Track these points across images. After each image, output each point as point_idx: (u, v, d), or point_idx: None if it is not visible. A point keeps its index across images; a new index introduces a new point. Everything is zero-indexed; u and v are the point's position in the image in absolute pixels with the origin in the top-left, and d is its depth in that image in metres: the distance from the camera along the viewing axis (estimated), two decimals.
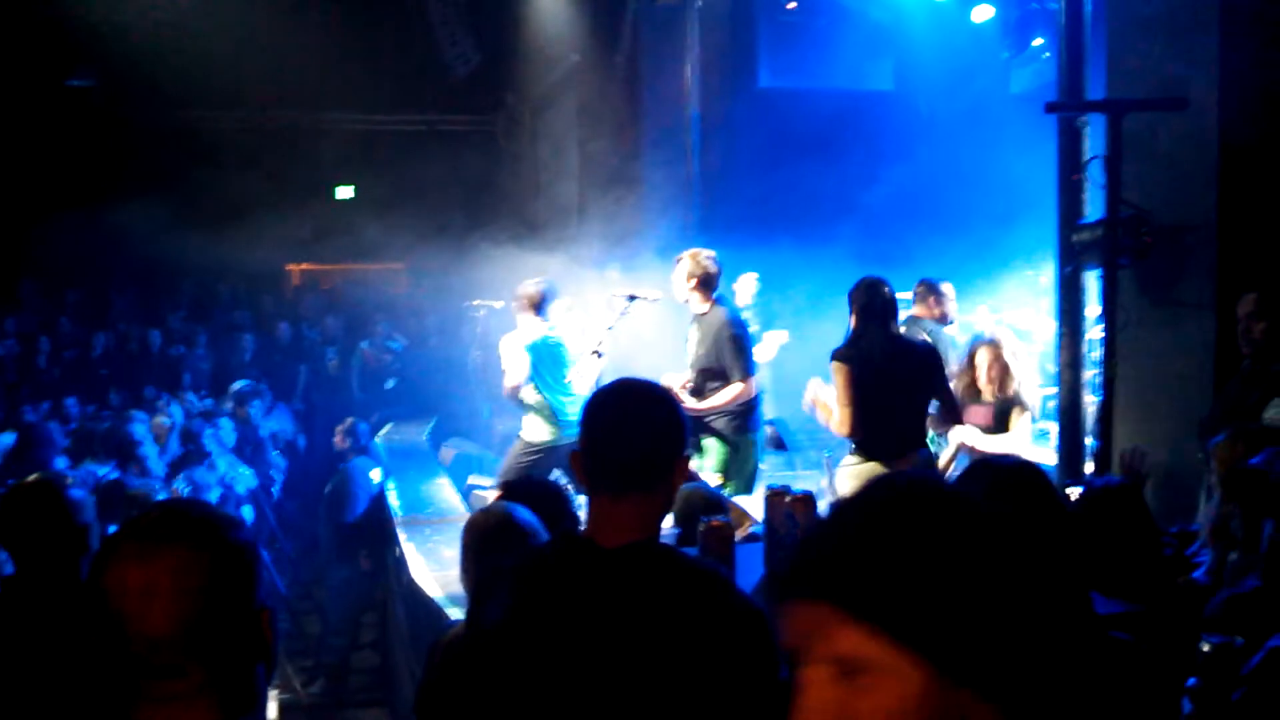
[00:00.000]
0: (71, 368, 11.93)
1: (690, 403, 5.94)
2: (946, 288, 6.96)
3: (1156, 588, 3.01)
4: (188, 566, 1.56)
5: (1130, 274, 5.28)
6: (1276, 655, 2.18)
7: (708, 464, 6.09)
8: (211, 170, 14.58)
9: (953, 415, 5.41)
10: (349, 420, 8.49)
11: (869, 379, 5.12)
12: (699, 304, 6.17)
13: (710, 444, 6.14)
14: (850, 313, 5.29)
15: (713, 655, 1.98)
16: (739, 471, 6.11)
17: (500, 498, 3.18)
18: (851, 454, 5.29)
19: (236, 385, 10.15)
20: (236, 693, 1.61)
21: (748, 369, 6.06)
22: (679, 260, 6.22)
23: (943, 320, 6.84)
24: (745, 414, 6.13)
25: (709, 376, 6.08)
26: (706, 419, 6.09)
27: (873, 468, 5.11)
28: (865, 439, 5.19)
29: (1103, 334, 5.13)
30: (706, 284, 6.13)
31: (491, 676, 2.07)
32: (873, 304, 5.23)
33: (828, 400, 5.29)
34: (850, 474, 5.24)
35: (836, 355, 5.22)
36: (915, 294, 6.95)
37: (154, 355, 12.29)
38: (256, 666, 1.64)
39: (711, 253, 6.25)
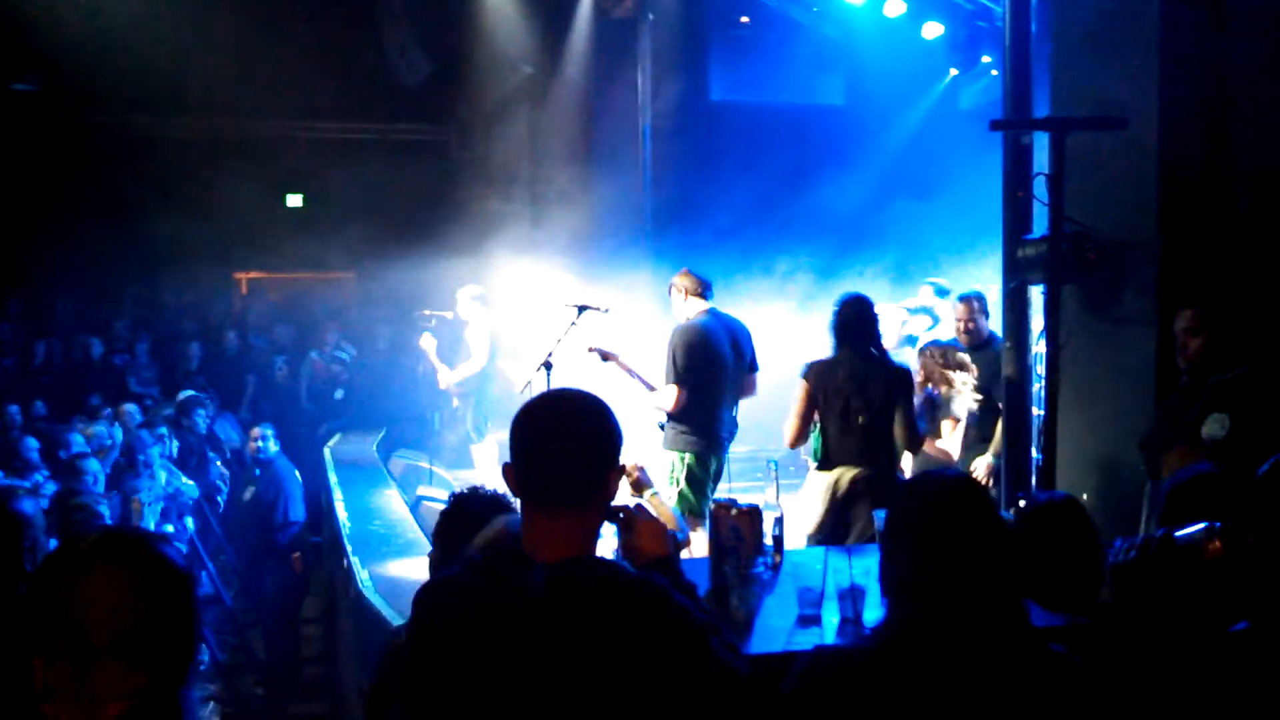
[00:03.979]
0: (11, 375, 11.71)
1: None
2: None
3: (1097, 601, 3.05)
4: (129, 582, 1.64)
5: (1074, 289, 5.35)
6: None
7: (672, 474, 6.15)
8: (158, 177, 14.39)
9: (912, 441, 5.51)
10: (262, 425, 8.50)
11: (832, 395, 5.28)
12: (684, 312, 6.23)
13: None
14: (830, 326, 5.42)
15: (652, 669, 1.97)
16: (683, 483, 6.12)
17: (448, 509, 3.16)
18: (816, 468, 5.44)
19: (181, 395, 10.04)
20: (168, 703, 1.67)
21: (675, 377, 6.05)
22: (669, 289, 6.35)
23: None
24: (683, 424, 6.12)
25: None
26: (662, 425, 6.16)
27: (839, 473, 5.28)
28: (828, 450, 5.36)
29: (1046, 348, 5.21)
30: (694, 292, 6.21)
31: (429, 691, 2.05)
32: (849, 322, 5.35)
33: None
34: (812, 480, 5.41)
35: (803, 372, 5.40)
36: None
37: (95, 363, 12.10)
38: (187, 684, 1.70)
39: (684, 270, 6.33)
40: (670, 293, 6.30)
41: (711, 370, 6.08)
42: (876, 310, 5.52)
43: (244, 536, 8.46)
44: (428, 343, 8.91)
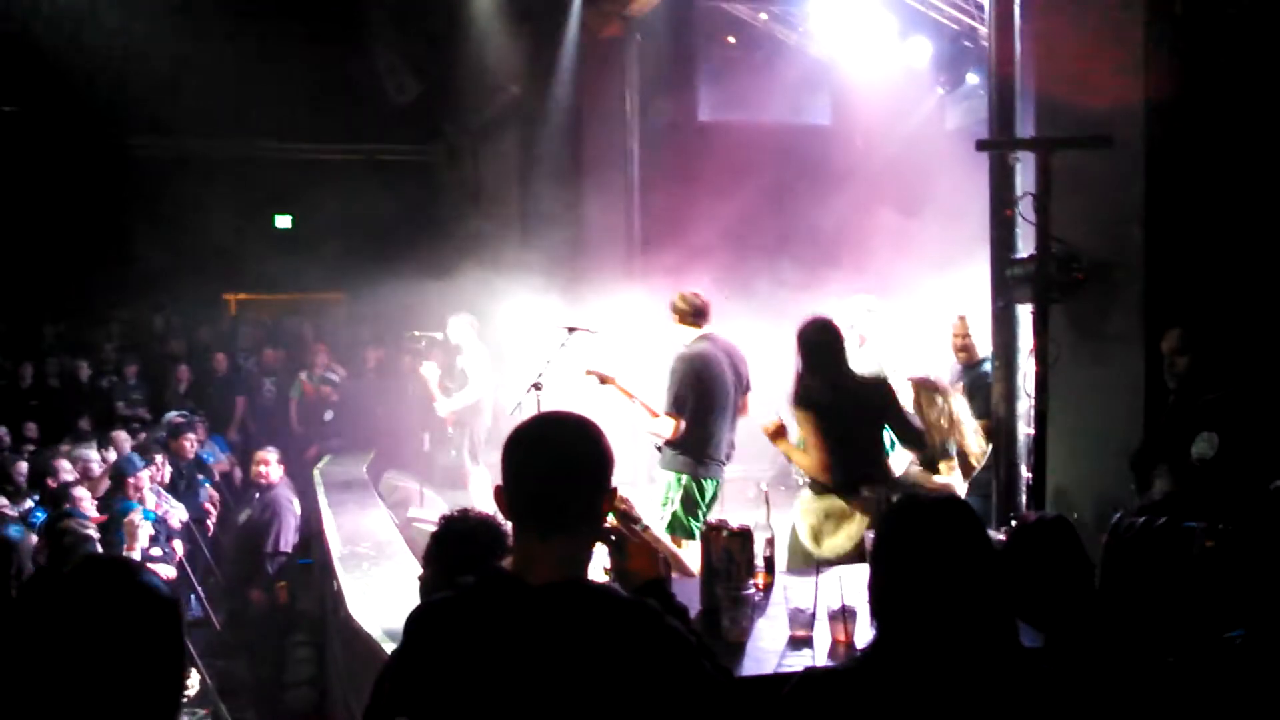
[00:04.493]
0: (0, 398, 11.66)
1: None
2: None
3: (1087, 621, 3.05)
4: (115, 614, 1.63)
5: (1061, 309, 5.37)
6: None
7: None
8: (146, 197, 14.39)
9: (913, 443, 5.45)
10: (272, 449, 8.42)
11: (822, 418, 5.14)
12: (686, 338, 6.23)
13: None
14: (798, 352, 5.26)
15: (644, 693, 1.97)
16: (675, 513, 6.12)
17: (439, 531, 3.16)
18: (809, 488, 5.30)
19: (167, 416, 10.02)
20: None
21: (676, 407, 6.06)
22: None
23: None
24: (682, 447, 6.11)
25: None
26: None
27: (830, 502, 5.15)
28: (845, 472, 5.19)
29: (1035, 368, 5.21)
30: (688, 318, 6.22)
31: (422, 715, 2.05)
32: (821, 342, 5.24)
33: (790, 444, 5.34)
34: (806, 507, 5.27)
35: (798, 403, 5.19)
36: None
37: (83, 386, 12.06)
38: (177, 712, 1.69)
39: (694, 290, 6.33)
40: (670, 312, 6.29)
41: (713, 397, 6.11)
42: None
43: (234, 558, 8.42)
44: (429, 371, 8.91)
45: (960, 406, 5.82)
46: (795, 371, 5.28)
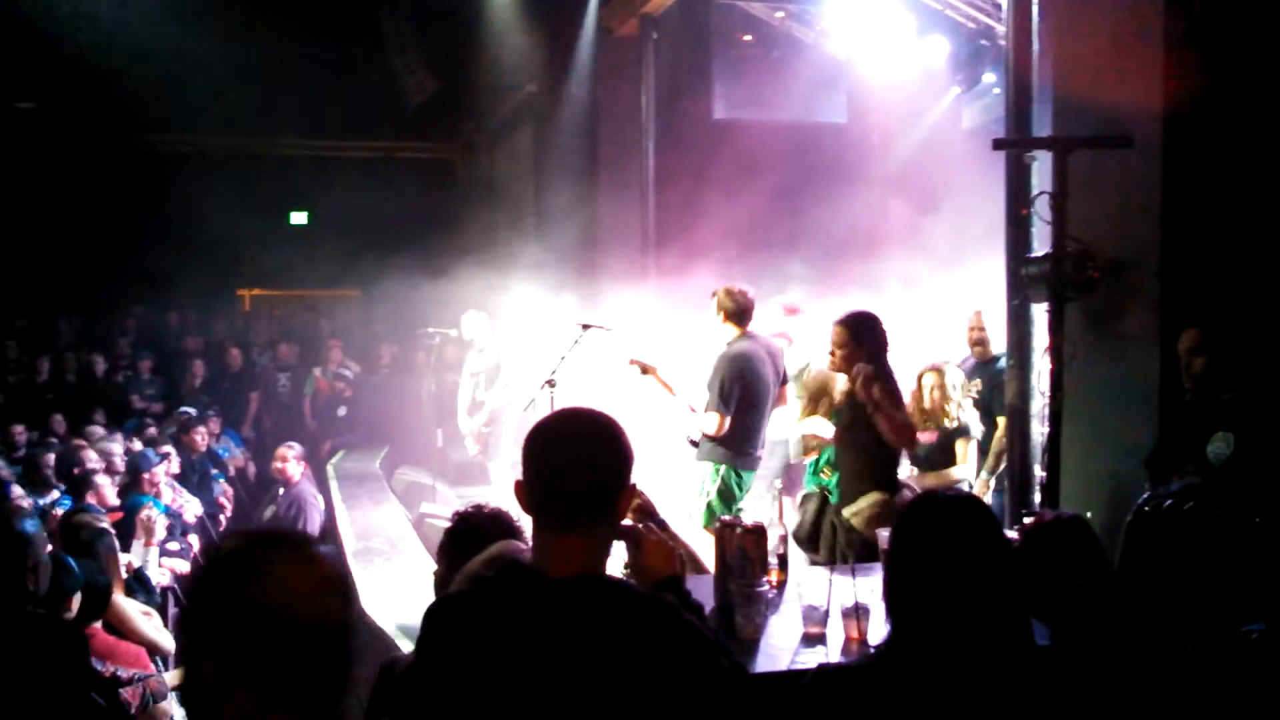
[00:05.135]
0: (17, 393, 11.74)
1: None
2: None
3: (1103, 614, 3.04)
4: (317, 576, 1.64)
5: (1077, 307, 5.35)
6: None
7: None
8: (161, 193, 14.44)
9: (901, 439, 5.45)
10: (293, 445, 8.39)
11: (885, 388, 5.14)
12: (727, 335, 6.27)
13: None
14: (859, 344, 5.17)
15: (660, 688, 1.98)
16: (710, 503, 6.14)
17: (453, 526, 3.16)
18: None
19: (181, 411, 10.05)
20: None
21: (722, 406, 6.09)
22: (711, 295, 6.34)
23: None
24: (722, 443, 6.15)
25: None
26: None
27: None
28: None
29: (1051, 366, 5.19)
30: (733, 317, 6.25)
31: (440, 709, 2.05)
32: (871, 328, 5.20)
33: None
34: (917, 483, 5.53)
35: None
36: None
37: (99, 380, 12.12)
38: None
39: (741, 288, 6.34)
40: (716, 309, 6.30)
41: (756, 394, 6.21)
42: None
43: None
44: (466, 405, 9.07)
45: (953, 381, 5.99)
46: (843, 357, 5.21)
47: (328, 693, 1.63)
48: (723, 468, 6.15)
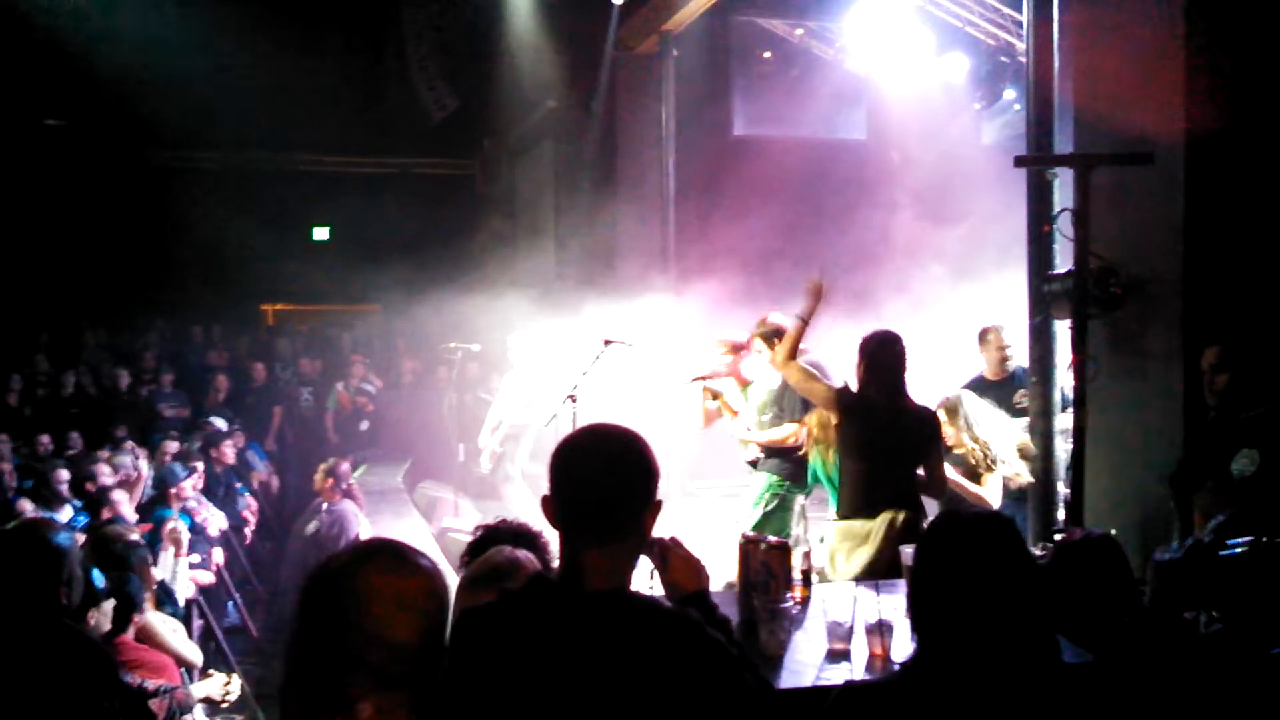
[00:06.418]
0: (44, 406, 11.83)
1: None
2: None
3: (1133, 638, 3.04)
4: (431, 587, 1.83)
5: (1099, 324, 5.34)
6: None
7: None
8: (185, 209, 14.57)
9: (935, 488, 5.19)
10: (333, 461, 8.36)
11: (868, 433, 5.03)
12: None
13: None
14: (859, 362, 5.14)
15: (686, 703, 1.99)
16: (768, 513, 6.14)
17: (476, 540, 3.18)
18: (835, 509, 5.18)
19: (208, 422, 10.09)
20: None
21: (791, 418, 6.12)
22: (750, 336, 6.29)
23: None
24: (787, 459, 6.15)
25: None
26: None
27: (848, 525, 5.00)
28: (849, 495, 5.07)
29: (1074, 383, 5.17)
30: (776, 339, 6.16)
31: (470, 716, 2.07)
32: (885, 356, 5.08)
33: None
34: (830, 529, 5.14)
35: (849, 405, 5.09)
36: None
37: (123, 394, 12.20)
38: None
39: (769, 315, 6.30)
40: (761, 342, 6.19)
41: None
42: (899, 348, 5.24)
43: (302, 567, 8.36)
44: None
45: (975, 413, 5.60)
46: (857, 378, 5.16)
47: (431, 676, 1.81)
48: (786, 483, 6.08)
